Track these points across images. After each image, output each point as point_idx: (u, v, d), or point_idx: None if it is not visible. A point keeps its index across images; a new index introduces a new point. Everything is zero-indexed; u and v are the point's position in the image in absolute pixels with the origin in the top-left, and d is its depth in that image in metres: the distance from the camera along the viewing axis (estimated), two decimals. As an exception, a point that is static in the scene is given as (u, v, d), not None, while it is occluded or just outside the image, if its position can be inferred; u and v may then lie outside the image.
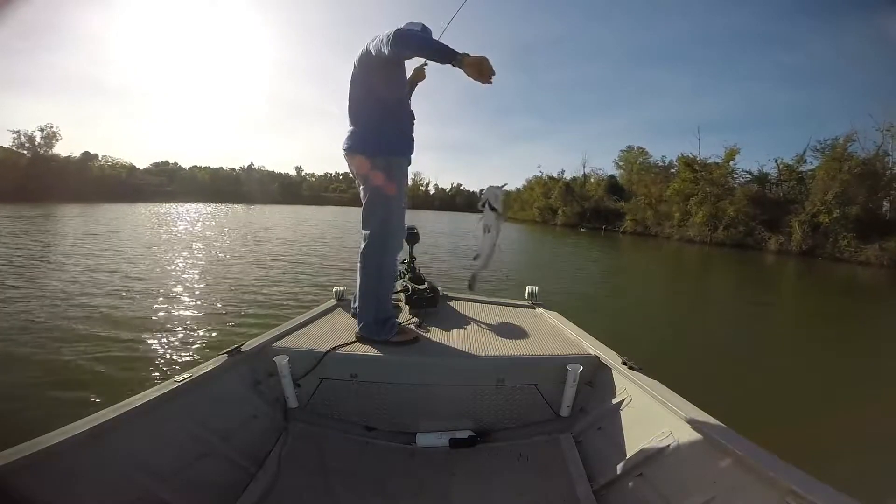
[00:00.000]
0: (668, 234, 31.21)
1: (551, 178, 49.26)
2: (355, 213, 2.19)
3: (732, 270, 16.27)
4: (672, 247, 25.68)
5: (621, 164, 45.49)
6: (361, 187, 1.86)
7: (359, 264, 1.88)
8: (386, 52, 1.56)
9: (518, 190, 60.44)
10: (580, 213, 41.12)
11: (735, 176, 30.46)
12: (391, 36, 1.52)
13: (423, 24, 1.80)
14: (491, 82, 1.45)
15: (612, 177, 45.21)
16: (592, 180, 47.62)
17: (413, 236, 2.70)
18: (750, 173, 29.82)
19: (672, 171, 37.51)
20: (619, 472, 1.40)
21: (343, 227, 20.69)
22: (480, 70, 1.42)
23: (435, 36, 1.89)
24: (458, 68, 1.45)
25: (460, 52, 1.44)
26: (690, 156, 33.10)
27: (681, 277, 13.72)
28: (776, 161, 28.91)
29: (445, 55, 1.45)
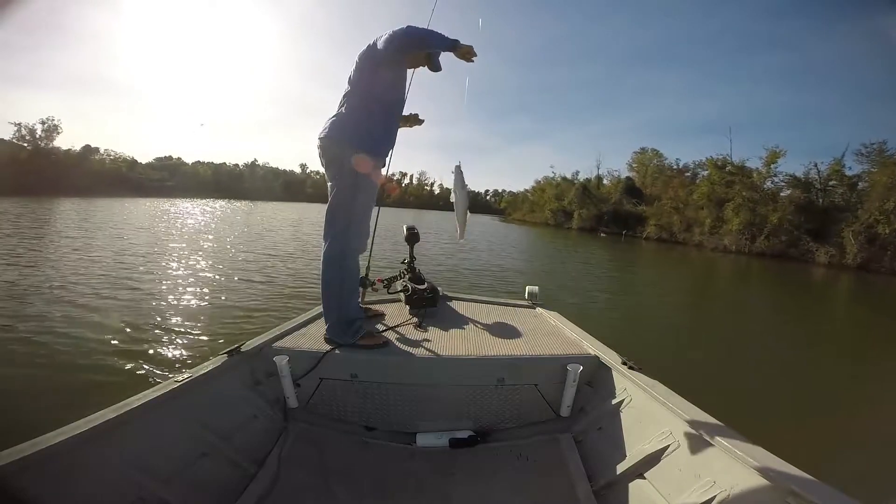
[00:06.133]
0: (697, 241, 29.19)
1: (565, 179, 47.96)
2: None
3: (779, 284, 14.78)
4: (706, 256, 23.60)
5: (635, 165, 44.23)
6: (329, 183, 1.81)
7: (321, 265, 1.83)
8: (397, 44, 1.70)
9: (526, 192, 59.64)
10: (597, 217, 39.21)
11: (776, 180, 28.28)
12: (404, 29, 1.71)
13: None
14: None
15: (628, 178, 43.40)
16: (606, 182, 46.10)
17: (413, 236, 2.69)
18: (794, 177, 27.61)
19: (687, 174, 36.28)
20: (618, 472, 1.40)
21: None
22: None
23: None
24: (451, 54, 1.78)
25: (452, 38, 1.75)
26: (722, 157, 30.96)
27: (733, 293, 12.25)
28: (815, 165, 26.74)
29: (448, 42, 1.73)
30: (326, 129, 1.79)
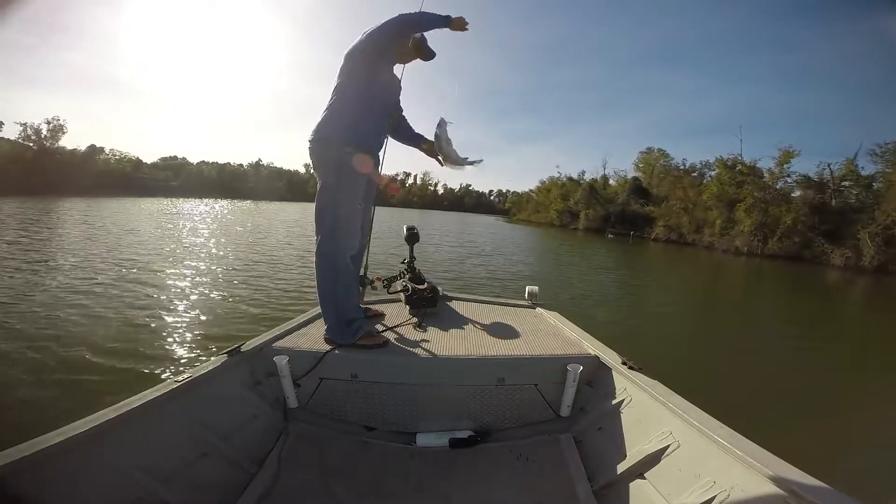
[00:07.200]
0: (707, 242, 28.85)
1: (570, 179, 47.82)
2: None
3: (790, 286, 14.43)
4: (717, 257, 23.08)
5: (641, 165, 43.93)
6: (319, 182, 1.81)
7: (315, 266, 1.83)
8: (390, 31, 1.74)
9: (531, 192, 59.31)
10: (604, 217, 38.78)
11: (788, 180, 28.03)
12: (396, 17, 1.75)
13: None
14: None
15: (635, 178, 43.05)
16: (612, 182, 45.83)
17: (413, 236, 2.69)
18: (807, 177, 27.30)
19: (694, 174, 35.95)
20: (619, 472, 1.40)
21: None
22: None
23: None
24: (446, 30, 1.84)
25: (443, 14, 1.81)
26: (732, 157, 30.73)
27: (741, 295, 11.94)
28: (828, 165, 26.53)
29: (441, 20, 1.79)
30: (317, 129, 1.78)
